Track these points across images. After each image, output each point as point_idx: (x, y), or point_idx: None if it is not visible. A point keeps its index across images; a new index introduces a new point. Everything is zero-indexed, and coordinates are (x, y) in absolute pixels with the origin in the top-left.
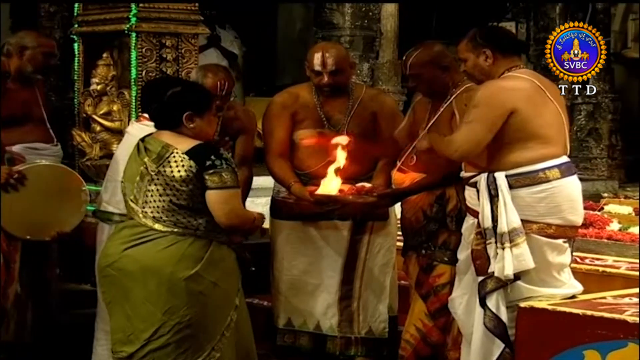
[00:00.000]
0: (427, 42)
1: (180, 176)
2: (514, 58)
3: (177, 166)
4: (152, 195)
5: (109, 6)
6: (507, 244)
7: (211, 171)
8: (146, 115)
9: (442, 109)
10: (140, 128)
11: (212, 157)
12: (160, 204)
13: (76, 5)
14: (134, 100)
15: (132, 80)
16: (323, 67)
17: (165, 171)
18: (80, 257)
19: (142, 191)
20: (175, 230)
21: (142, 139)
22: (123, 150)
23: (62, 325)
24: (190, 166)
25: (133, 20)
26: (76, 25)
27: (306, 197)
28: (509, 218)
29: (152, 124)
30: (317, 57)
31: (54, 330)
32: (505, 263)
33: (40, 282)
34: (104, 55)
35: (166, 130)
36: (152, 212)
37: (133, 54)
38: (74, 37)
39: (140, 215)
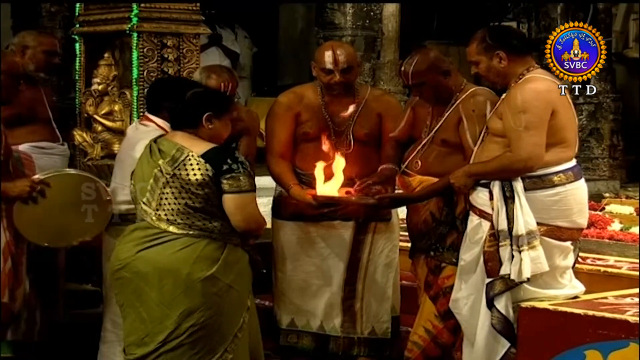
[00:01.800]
0: (420, 49)
1: (197, 180)
2: (528, 58)
3: (192, 169)
4: (166, 198)
5: (110, 6)
6: (524, 247)
7: (228, 175)
8: (149, 115)
9: (447, 114)
10: (136, 129)
11: (229, 160)
12: (175, 206)
13: (77, 5)
14: (135, 100)
15: (134, 80)
16: (335, 65)
17: (180, 174)
18: (82, 257)
19: (157, 194)
20: (190, 232)
21: (155, 140)
22: (123, 153)
23: (65, 325)
24: (207, 169)
25: (134, 20)
26: (77, 25)
27: (305, 199)
28: (526, 220)
29: (152, 125)
30: (328, 55)
31: (60, 330)
32: (523, 266)
33: (49, 281)
34: (106, 55)
35: (183, 130)
36: (166, 214)
37: (134, 54)
38: (75, 37)
39: (154, 218)
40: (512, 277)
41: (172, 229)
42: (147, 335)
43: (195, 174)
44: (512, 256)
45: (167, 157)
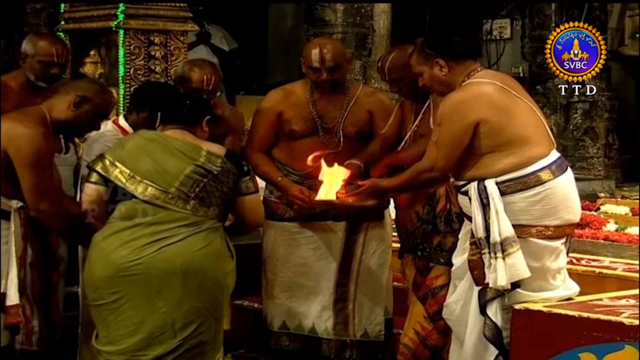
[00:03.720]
0: (399, 45)
1: (223, 178)
2: (469, 62)
3: (221, 170)
4: (200, 192)
5: (96, 3)
6: (499, 254)
7: (247, 177)
8: (119, 118)
9: (423, 110)
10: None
11: (243, 162)
12: (206, 199)
13: (62, 2)
14: (121, 99)
15: (120, 78)
16: (321, 63)
17: (215, 173)
18: (70, 259)
19: (187, 185)
20: (210, 225)
21: (165, 137)
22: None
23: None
24: (232, 169)
25: (121, 17)
26: (62, 22)
27: (292, 192)
28: (501, 227)
29: (110, 125)
30: (314, 54)
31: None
32: (498, 274)
33: (46, 287)
34: (92, 52)
35: (182, 126)
36: (194, 206)
37: (121, 52)
38: (61, 34)
39: (182, 212)
40: (490, 285)
41: (195, 219)
42: (164, 333)
43: (223, 173)
44: (490, 263)
45: (199, 156)
